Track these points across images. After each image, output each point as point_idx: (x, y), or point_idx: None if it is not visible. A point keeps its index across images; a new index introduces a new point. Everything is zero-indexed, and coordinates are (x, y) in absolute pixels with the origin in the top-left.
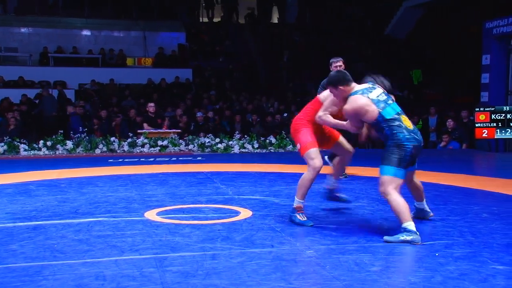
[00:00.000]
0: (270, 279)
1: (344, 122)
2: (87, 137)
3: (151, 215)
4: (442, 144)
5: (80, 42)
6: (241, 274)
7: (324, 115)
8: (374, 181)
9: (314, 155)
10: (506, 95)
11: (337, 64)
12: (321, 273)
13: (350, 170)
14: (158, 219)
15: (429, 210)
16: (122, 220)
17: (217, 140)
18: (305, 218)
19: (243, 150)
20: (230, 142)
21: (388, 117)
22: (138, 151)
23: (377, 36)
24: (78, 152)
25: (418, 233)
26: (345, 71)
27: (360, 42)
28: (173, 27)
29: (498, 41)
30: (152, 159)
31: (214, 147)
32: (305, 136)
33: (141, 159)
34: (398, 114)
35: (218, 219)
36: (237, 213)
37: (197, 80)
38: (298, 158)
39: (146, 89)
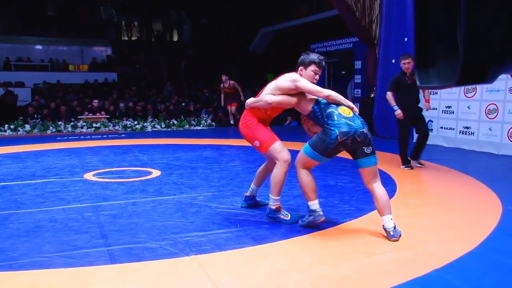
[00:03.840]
0: (173, 217)
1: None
2: (40, 122)
3: (89, 176)
4: (287, 122)
5: (34, 54)
6: (153, 215)
7: (249, 100)
8: (245, 148)
9: (279, 148)
10: None
11: (405, 61)
12: (208, 211)
13: (238, 142)
14: (94, 179)
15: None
16: (68, 180)
17: (135, 122)
18: (289, 216)
19: (154, 129)
20: (145, 124)
21: (323, 105)
22: (79, 131)
23: (244, 52)
24: (34, 133)
25: (320, 210)
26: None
27: (233, 55)
28: (103, 43)
29: None
30: (89, 137)
31: (133, 127)
32: (261, 132)
33: (81, 137)
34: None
35: (137, 177)
36: (150, 173)
37: (121, 80)
38: (194, 133)
39: (84, 87)
